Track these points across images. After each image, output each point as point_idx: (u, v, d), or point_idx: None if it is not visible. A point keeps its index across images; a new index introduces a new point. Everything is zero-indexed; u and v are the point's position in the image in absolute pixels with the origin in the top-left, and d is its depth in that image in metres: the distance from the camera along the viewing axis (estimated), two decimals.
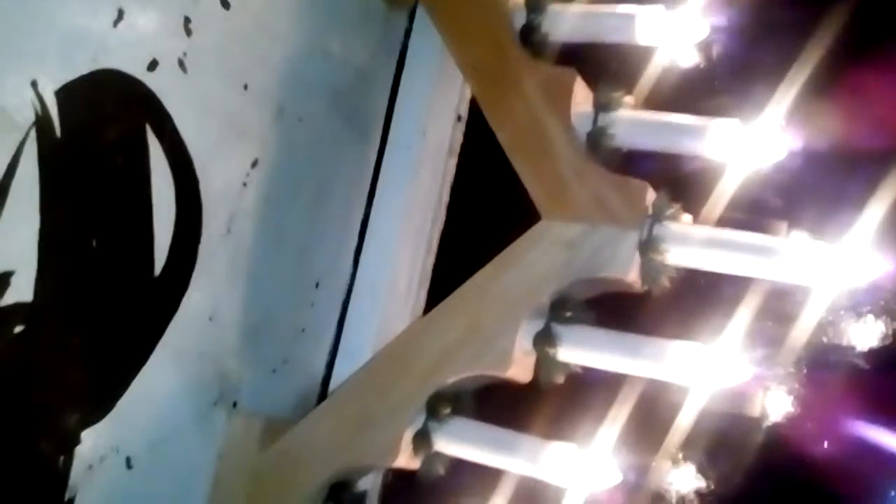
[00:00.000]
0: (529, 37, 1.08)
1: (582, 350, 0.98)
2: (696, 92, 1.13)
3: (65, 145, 0.87)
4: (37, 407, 0.89)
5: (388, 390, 1.08)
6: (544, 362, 0.99)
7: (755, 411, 1.19)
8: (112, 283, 0.95)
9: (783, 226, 1.20)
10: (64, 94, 0.87)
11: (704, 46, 1.16)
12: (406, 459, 1.05)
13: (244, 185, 1.11)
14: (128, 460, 1.00)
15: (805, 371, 1.16)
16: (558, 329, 0.99)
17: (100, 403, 0.96)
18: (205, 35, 1.01)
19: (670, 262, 0.96)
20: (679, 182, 1.02)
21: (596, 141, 1.01)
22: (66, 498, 0.93)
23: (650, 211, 0.97)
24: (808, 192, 1.11)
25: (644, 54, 1.06)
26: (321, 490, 1.08)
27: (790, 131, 0.97)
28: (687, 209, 1.00)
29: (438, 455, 1.05)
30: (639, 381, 1.00)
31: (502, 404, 1.08)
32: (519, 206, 1.10)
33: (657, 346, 0.94)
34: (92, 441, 0.95)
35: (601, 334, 0.98)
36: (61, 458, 0.92)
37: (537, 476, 0.98)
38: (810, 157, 1.09)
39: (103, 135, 0.92)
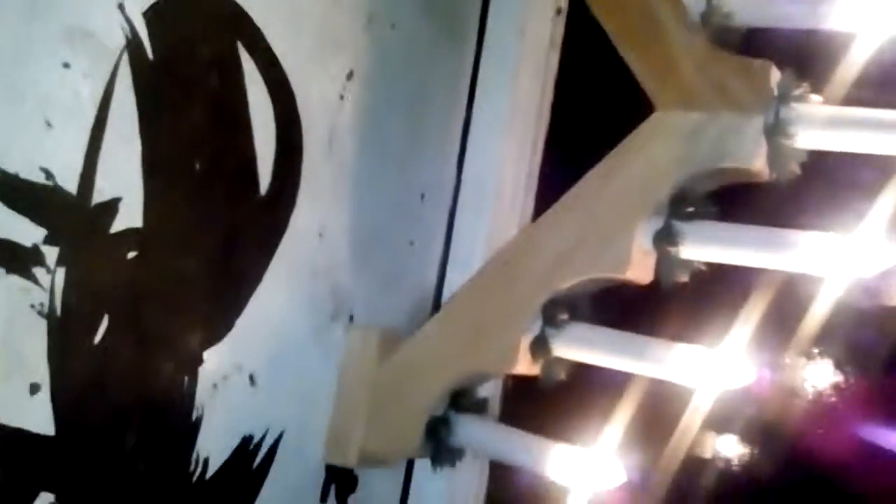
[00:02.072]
0: None
1: (707, 246, 0.93)
2: None
3: (158, 67, 0.86)
4: (158, 330, 0.90)
5: (502, 297, 1.06)
6: (666, 262, 0.95)
7: (894, 300, 1.12)
8: (219, 205, 0.95)
9: None
10: (152, 14, 0.85)
11: None
12: (525, 366, 1.04)
13: (341, 97, 1.08)
14: (251, 377, 1.01)
15: None
16: (680, 226, 0.93)
17: (219, 322, 0.97)
18: None
19: (800, 147, 0.88)
20: (806, 60, 0.94)
21: (711, 21, 0.93)
22: (194, 417, 0.95)
23: (776, 93, 0.89)
24: None
25: None
26: (442, 398, 1.08)
27: None
28: (815, 89, 0.92)
29: (558, 360, 1.03)
30: (772, 274, 0.94)
31: (621, 309, 1.04)
32: (629, 100, 1.04)
33: (791, 237, 0.88)
34: (215, 361, 0.96)
35: (728, 228, 0.92)
36: (186, 378, 0.94)
37: (665, 378, 0.95)
38: None
39: (196, 54, 0.90)
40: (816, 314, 1.01)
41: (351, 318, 1.13)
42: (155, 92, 0.86)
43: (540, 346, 1.02)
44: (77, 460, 0.84)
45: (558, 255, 1.01)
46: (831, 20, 0.88)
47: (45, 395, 0.80)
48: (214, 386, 0.96)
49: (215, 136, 0.93)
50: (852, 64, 0.95)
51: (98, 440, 0.86)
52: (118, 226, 0.84)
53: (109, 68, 0.82)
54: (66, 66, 0.79)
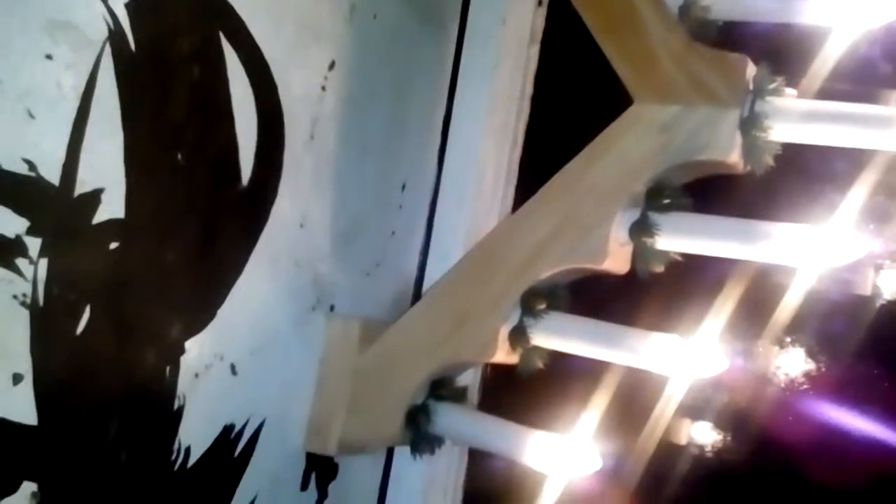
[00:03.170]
0: None
1: (682, 237, 0.95)
2: None
3: (141, 58, 0.86)
4: (140, 320, 0.91)
5: (482, 287, 1.07)
6: (642, 252, 0.96)
7: (867, 290, 1.14)
8: (201, 196, 0.95)
9: (893, 94, 1.12)
10: (135, 5, 0.85)
11: None
12: (504, 355, 1.05)
13: (323, 88, 1.09)
14: (232, 367, 1.02)
15: None
16: (656, 217, 0.95)
17: (201, 313, 0.98)
18: None
19: (775, 140, 0.90)
20: (782, 54, 0.95)
21: (689, 14, 0.95)
22: (176, 406, 0.96)
23: (751, 86, 0.91)
24: None
25: None
26: (422, 387, 1.09)
27: None
28: (789, 83, 0.93)
29: (536, 349, 1.04)
30: (746, 265, 0.96)
31: (598, 298, 1.06)
32: (608, 93, 1.05)
33: (764, 228, 0.89)
34: (196, 350, 0.97)
35: (702, 220, 0.94)
36: (168, 367, 0.94)
37: (640, 366, 0.97)
38: None
39: (178, 45, 0.90)
40: (789, 304, 1.03)
41: (332, 307, 1.14)
42: (137, 83, 0.86)
43: (518, 336, 1.03)
44: (60, 450, 0.84)
45: (537, 245, 1.03)
46: (806, 15, 0.90)
47: (27, 385, 0.81)
48: (196, 375, 0.97)
49: (197, 127, 0.93)
50: (827, 58, 0.97)
51: (80, 430, 0.86)
52: (101, 217, 0.85)
53: (92, 59, 0.82)
54: (49, 57, 0.79)
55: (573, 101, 1.30)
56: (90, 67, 0.82)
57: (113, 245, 0.86)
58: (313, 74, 1.08)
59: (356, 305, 1.18)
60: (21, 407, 0.80)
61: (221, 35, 0.95)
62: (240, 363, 1.02)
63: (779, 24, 0.95)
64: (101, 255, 0.86)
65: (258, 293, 1.04)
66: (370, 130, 1.17)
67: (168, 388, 0.95)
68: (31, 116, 0.78)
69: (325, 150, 1.10)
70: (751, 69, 0.92)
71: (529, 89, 1.30)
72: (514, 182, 1.31)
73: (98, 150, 0.84)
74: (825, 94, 0.96)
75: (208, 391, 0.98)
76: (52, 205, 0.81)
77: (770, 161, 0.92)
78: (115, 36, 0.84)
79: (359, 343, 1.11)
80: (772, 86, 0.90)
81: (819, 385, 1.11)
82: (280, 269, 1.06)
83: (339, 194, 1.13)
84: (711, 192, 0.99)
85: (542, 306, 1.03)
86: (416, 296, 1.26)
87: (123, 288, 0.88)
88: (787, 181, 0.99)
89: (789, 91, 0.92)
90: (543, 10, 1.27)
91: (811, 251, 0.89)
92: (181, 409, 0.96)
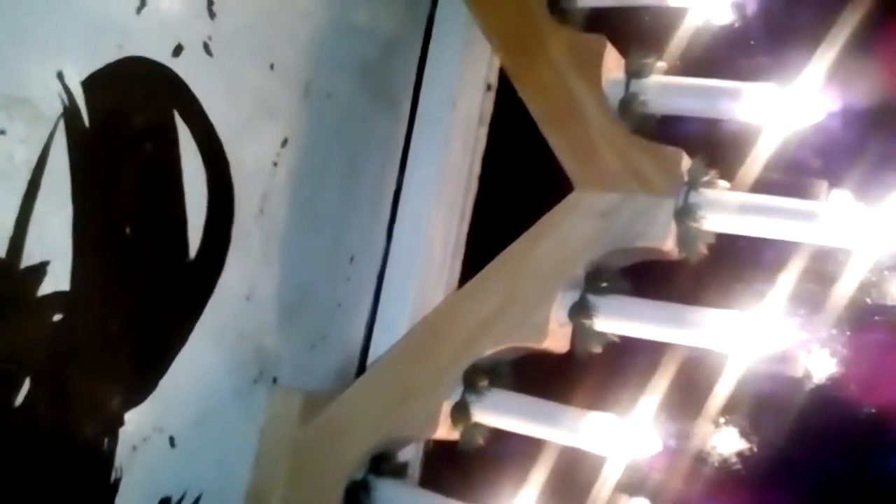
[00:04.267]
0: (557, 2, 1.06)
1: (619, 320, 0.97)
2: (731, 54, 1.10)
3: (94, 135, 0.88)
4: (80, 392, 0.91)
5: (426, 362, 1.08)
6: (580, 333, 0.99)
7: (798, 373, 1.18)
8: (147, 269, 0.96)
9: (823, 185, 1.17)
10: (90, 83, 0.87)
11: (738, 4, 1.12)
12: (445, 431, 1.06)
13: (275, 164, 1.11)
14: (171, 439, 1.01)
15: (848, 332, 1.13)
16: (594, 300, 0.98)
17: (141, 385, 0.98)
18: (229, 17, 1.01)
19: (708, 229, 0.94)
20: (714, 147, 1.00)
21: (628, 108, 0.99)
22: (112, 479, 0.95)
23: (686, 178, 0.95)
24: (848, 153, 1.08)
25: (675, 16, 1.04)
26: (362, 462, 1.09)
27: (829, 91, 0.94)
28: (723, 174, 0.98)
29: (478, 426, 1.05)
30: (678, 349, 0.99)
31: (540, 375, 1.08)
32: (552, 175, 1.08)
33: (697, 314, 0.93)
34: (135, 422, 0.97)
35: (638, 304, 0.97)
36: (106, 440, 0.94)
37: (578, 446, 0.98)
38: (850, 117, 1.06)
39: (132, 122, 0.92)
40: (722, 385, 1.06)
41: (275, 380, 1.15)
42: (89, 158, 0.88)
43: (460, 412, 1.04)
44: None
45: (480, 322, 1.05)
46: (736, 114, 0.94)
47: None
48: (134, 448, 0.97)
49: (147, 201, 0.95)
50: (760, 152, 1.01)
51: (16, 501, 0.85)
52: (45, 289, 0.85)
53: (45, 134, 0.84)
54: (2, 132, 0.80)
55: (519, 180, 1.34)
56: (43, 142, 0.84)
57: (56, 317, 0.87)
58: (266, 150, 1.10)
59: (300, 378, 1.18)
60: None
61: (176, 113, 0.97)
62: (179, 435, 1.02)
63: (716, 120, 0.99)
64: (44, 327, 0.86)
65: (201, 364, 1.04)
66: (320, 204, 1.19)
67: (105, 461, 0.94)
68: None
69: (275, 224, 1.12)
70: (686, 161, 0.96)
71: (477, 168, 1.34)
72: (461, 256, 1.33)
73: (46, 223, 0.85)
74: (759, 185, 1.00)
75: (146, 463, 0.98)
76: None
77: (703, 249, 0.95)
78: (70, 112, 0.86)
79: (300, 416, 1.11)
80: (705, 178, 0.95)
81: (752, 465, 1.13)
82: (224, 340, 1.07)
83: (287, 267, 1.15)
84: (650, 276, 1.02)
85: (485, 383, 1.05)
86: (361, 368, 1.27)
87: (65, 360, 0.88)
88: (720, 268, 1.03)
89: (722, 183, 0.97)
90: (492, 95, 1.31)
91: (742, 338, 0.92)
92: (118, 481, 0.96)
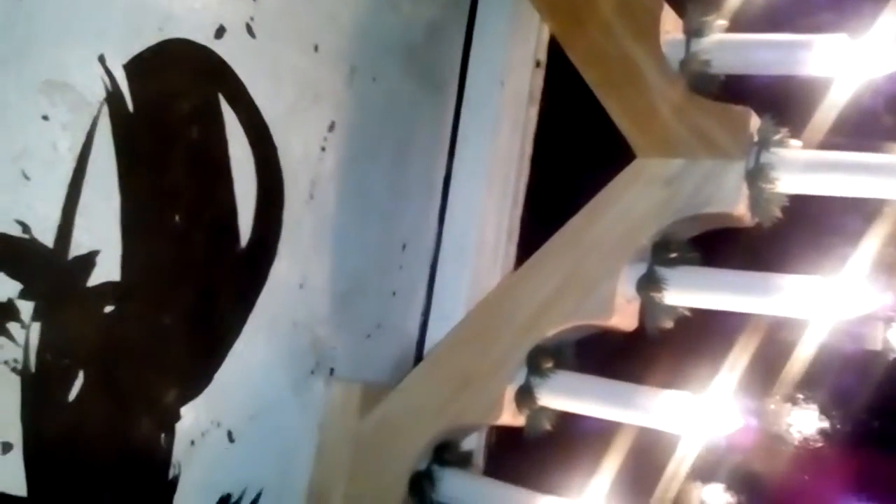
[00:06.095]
0: None
1: (690, 292, 0.92)
2: (793, 10, 1.04)
3: (138, 120, 0.85)
4: (134, 386, 0.89)
5: (486, 348, 1.04)
6: (650, 308, 0.94)
7: (877, 345, 1.12)
8: (198, 258, 0.94)
9: None
10: (133, 66, 0.84)
11: None
12: (510, 416, 1.02)
13: (323, 149, 1.08)
14: (229, 433, 0.99)
15: None
16: (663, 272, 0.93)
17: (197, 378, 0.95)
18: None
19: (782, 191, 0.89)
20: (782, 105, 0.95)
21: (690, 69, 0.94)
22: (171, 476, 0.92)
23: (756, 138, 0.90)
24: None
25: None
26: (425, 452, 1.06)
27: None
28: (794, 134, 0.93)
29: (544, 410, 1.01)
30: (757, 320, 0.94)
31: (608, 355, 1.03)
32: (608, 151, 1.04)
33: (774, 280, 0.87)
34: (192, 416, 0.94)
35: (711, 274, 0.92)
36: (163, 435, 0.92)
37: (651, 426, 0.94)
38: None
39: (176, 106, 0.90)
40: (799, 359, 1.01)
41: (332, 371, 1.12)
42: (134, 144, 0.85)
43: (525, 396, 1.00)
44: None
45: (541, 303, 1.01)
46: (807, 66, 0.89)
47: (17, 454, 0.78)
48: (192, 443, 0.94)
49: (195, 188, 0.92)
50: (830, 108, 0.96)
51: (72, 501, 0.83)
52: (95, 279, 0.83)
53: (89, 121, 0.82)
54: (45, 118, 0.78)
55: (573, 159, 1.29)
56: (87, 129, 0.82)
57: (108, 309, 0.85)
58: (313, 135, 1.07)
59: (356, 368, 1.15)
60: (10, 477, 0.78)
61: (221, 96, 0.95)
62: (237, 429, 0.99)
63: (780, 76, 0.94)
64: (96, 319, 0.84)
65: (256, 357, 1.01)
66: (370, 191, 1.16)
67: (163, 457, 0.92)
68: (27, 178, 0.77)
69: (325, 211, 1.09)
70: (755, 121, 0.92)
71: (529, 149, 1.30)
72: (515, 241, 1.29)
73: (94, 212, 0.83)
74: (829, 145, 0.95)
75: (204, 459, 0.95)
76: (45, 268, 0.79)
77: (778, 213, 0.90)
78: (113, 97, 0.83)
79: (359, 408, 1.08)
80: (776, 137, 0.90)
81: (833, 443, 1.08)
82: (278, 331, 1.04)
83: (339, 255, 1.12)
84: (720, 245, 0.97)
85: (549, 365, 1.00)
86: (419, 357, 1.24)
87: (118, 353, 0.86)
88: (795, 232, 0.98)
89: (794, 142, 0.92)
90: (542, 72, 1.27)
91: (822, 304, 0.87)
92: (176, 478, 0.93)
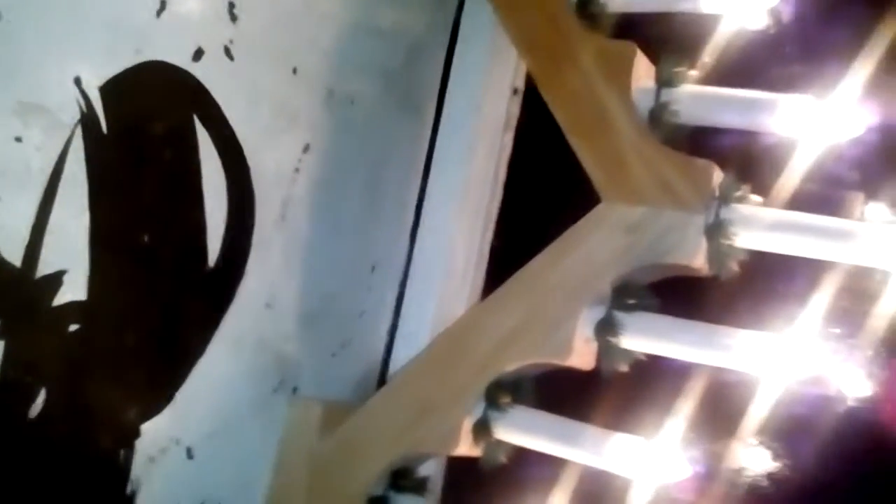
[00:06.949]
0: (586, 7, 1.03)
1: (646, 338, 0.94)
2: (765, 62, 1.06)
3: (111, 141, 0.86)
4: (96, 403, 0.90)
5: (447, 377, 1.06)
6: (606, 350, 0.96)
7: (832, 394, 1.14)
8: (166, 277, 0.95)
9: (859, 198, 1.13)
10: (108, 88, 0.85)
11: (774, 10, 1.09)
12: (467, 447, 1.04)
13: (296, 170, 1.09)
14: (188, 451, 1.00)
15: (885, 352, 1.10)
16: (620, 316, 0.95)
17: (159, 396, 0.96)
18: (250, 20, 0.99)
19: (739, 246, 0.91)
20: (747, 160, 0.97)
21: (658, 118, 0.96)
22: (129, 491, 0.94)
23: (717, 193, 0.92)
24: (886, 166, 1.04)
25: (708, 23, 1.00)
26: (382, 476, 1.07)
27: (868, 104, 0.90)
28: (756, 189, 0.95)
29: (500, 443, 1.03)
30: (708, 368, 0.96)
31: (564, 393, 1.05)
32: (581, 182, 1.06)
33: (728, 335, 0.90)
34: (152, 433, 0.95)
35: (666, 322, 0.94)
36: (122, 451, 0.93)
37: (603, 468, 0.96)
38: (889, 130, 1.02)
39: (150, 128, 0.91)
40: (752, 405, 1.03)
41: (295, 389, 1.13)
42: (107, 165, 0.86)
43: (482, 429, 1.02)
44: None
45: (502, 338, 1.02)
46: (771, 127, 0.91)
47: None
48: (151, 459, 0.95)
49: (165, 208, 0.93)
50: (794, 166, 0.98)
51: None
52: (61, 298, 0.84)
53: (62, 142, 0.82)
54: (19, 139, 0.79)
55: (545, 187, 1.31)
56: (60, 149, 0.82)
57: (73, 328, 0.85)
58: (287, 156, 1.08)
59: (320, 387, 1.16)
60: None
61: (196, 117, 0.95)
62: (196, 447, 1.00)
63: (750, 133, 0.96)
64: (60, 337, 0.85)
65: (219, 374, 1.02)
66: (342, 212, 1.17)
67: (121, 473, 0.93)
68: None
69: (296, 231, 1.10)
70: (717, 175, 0.93)
71: (503, 175, 1.31)
72: (484, 266, 1.30)
73: (63, 231, 0.83)
74: (793, 200, 0.97)
75: (163, 476, 0.97)
76: (12, 286, 0.80)
77: (735, 267, 0.92)
78: (87, 118, 0.84)
79: (320, 428, 1.09)
80: (737, 193, 0.91)
81: (784, 490, 1.10)
82: (243, 350, 1.05)
83: (309, 275, 1.13)
84: (679, 292, 0.99)
85: (507, 400, 1.02)
86: (382, 377, 1.25)
87: (81, 371, 0.87)
88: (752, 285, 1.00)
89: (755, 198, 0.94)
90: (519, 99, 1.28)
91: (775, 360, 0.89)
92: (134, 493, 0.94)
